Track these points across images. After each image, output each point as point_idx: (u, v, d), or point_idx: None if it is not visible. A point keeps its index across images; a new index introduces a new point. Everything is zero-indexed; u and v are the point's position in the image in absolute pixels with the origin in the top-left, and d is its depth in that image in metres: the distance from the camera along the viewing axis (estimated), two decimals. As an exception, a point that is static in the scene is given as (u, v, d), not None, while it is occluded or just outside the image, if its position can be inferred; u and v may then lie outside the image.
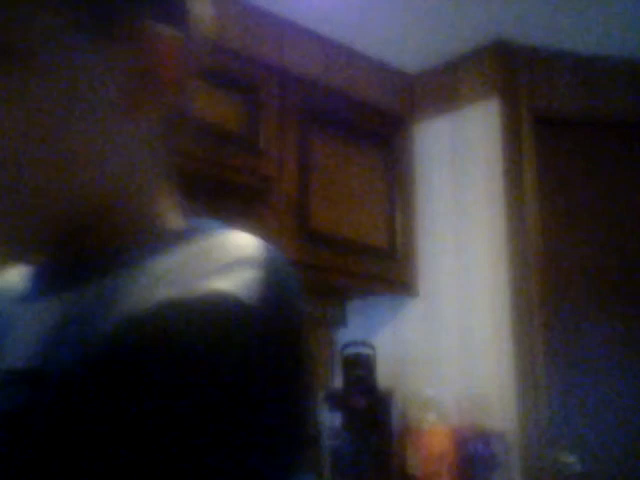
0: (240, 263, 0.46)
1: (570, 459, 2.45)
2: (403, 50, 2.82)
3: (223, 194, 2.52)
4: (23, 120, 0.48)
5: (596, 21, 2.60)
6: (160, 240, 0.52)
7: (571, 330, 2.60)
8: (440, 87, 2.88)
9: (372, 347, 2.64)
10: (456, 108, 2.81)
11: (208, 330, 0.42)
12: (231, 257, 0.47)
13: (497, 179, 2.65)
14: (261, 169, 2.44)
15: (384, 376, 2.62)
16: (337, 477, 2.47)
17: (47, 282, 0.56)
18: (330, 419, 2.51)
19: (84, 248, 0.54)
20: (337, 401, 2.54)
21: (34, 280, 0.58)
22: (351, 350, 2.64)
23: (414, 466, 2.55)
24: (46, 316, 0.53)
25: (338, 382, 2.71)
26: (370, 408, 2.54)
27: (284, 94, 2.53)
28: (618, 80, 2.79)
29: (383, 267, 2.74)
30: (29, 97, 0.48)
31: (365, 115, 2.79)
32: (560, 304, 2.60)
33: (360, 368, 2.59)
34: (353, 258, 2.64)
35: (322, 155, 2.61)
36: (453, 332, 2.67)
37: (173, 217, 0.57)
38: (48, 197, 0.50)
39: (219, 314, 0.43)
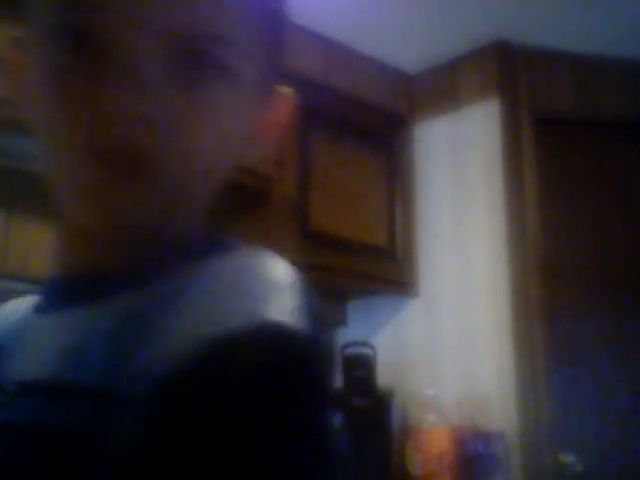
0: (279, 290, 0.48)
1: (570, 459, 2.45)
2: (403, 50, 2.82)
3: (223, 194, 2.51)
4: (212, 129, 0.53)
5: (596, 21, 2.60)
6: (192, 256, 0.53)
7: (571, 330, 2.60)
8: (440, 87, 2.88)
9: (372, 347, 2.64)
10: (456, 108, 2.81)
11: (271, 361, 0.44)
12: (269, 283, 0.49)
13: (497, 179, 2.65)
14: (261, 169, 2.44)
15: (384, 376, 2.62)
16: (337, 477, 2.46)
17: (67, 294, 0.56)
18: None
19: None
20: (337, 401, 2.54)
21: (50, 292, 0.58)
22: (351, 350, 2.64)
23: (414, 466, 2.55)
24: (72, 329, 0.53)
25: (338, 382, 2.71)
26: (370, 408, 2.54)
27: (284, 94, 2.53)
28: (618, 80, 2.79)
29: (383, 267, 2.74)
30: (220, 109, 0.53)
31: (365, 115, 2.79)
32: (560, 304, 2.60)
33: (360, 368, 2.59)
34: (353, 258, 2.64)
35: (322, 155, 2.61)
36: (453, 332, 2.67)
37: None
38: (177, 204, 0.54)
39: (278, 345, 0.45)
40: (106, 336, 0.49)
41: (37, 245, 2.08)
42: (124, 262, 0.54)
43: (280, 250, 0.56)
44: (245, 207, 2.52)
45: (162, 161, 0.50)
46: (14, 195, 2.06)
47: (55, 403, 0.48)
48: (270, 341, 0.44)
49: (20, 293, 0.66)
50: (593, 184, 2.75)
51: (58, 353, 0.51)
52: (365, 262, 2.68)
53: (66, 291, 0.56)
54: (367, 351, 2.63)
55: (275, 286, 0.48)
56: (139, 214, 0.51)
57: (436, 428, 2.54)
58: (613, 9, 2.52)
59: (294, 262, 0.59)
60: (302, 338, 0.46)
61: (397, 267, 2.77)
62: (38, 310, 0.58)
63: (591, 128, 2.77)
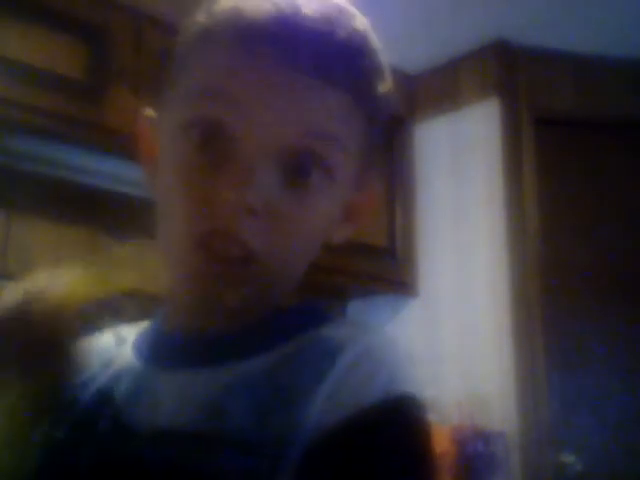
0: (403, 361, 0.57)
1: (570, 459, 2.45)
2: (403, 50, 2.81)
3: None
4: (311, 224, 0.59)
5: (596, 21, 2.60)
6: (297, 320, 0.61)
7: (571, 330, 2.60)
8: (440, 87, 2.88)
9: (372, 347, 2.64)
10: (456, 108, 2.81)
11: (417, 427, 0.57)
12: (390, 359, 0.57)
13: (497, 179, 2.65)
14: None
15: (384, 376, 2.62)
16: None
17: (192, 353, 0.61)
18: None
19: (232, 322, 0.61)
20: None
21: (168, 350, 0.63)
22: (351, 350, 2.64)
23: (414, 466, 2.54)
24: (208, 385, 0.57)
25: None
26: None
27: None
28: (618, 80, 2.79)
29: (383, 267, 2.73)
30: (320, 205, 0.59)
31: (365, 115, 2.78)
32: (560, 304, 2.60)
33: (360, 368, 2.58)
34: (353, 258, 2.63)
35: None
36: (453, 332, 2.67)
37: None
38: (275, 284, 0.60)
39: (415, 413, 0.56)
40: (245, 395, 0.55)
41: (37, 245, 2.08)
42: (228, 330, 0.60)
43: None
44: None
45: (260, 251, 0.56)
46: (14, 195, 2.06)
47: (202, 451, 0.53)
48: (410, 410, 0.55)
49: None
50: (593, 184, 2.75)
51: (197, 406, 0.56)
52: (365, 262, 2.68)
53: (181, 349, 0.62)
54: (367, 351, 2.63)
55: (399, 357, 0.57)
56: (233, 297, 0.57)
57: (436, 428, 2.54)
58: (613, 9, 2.52)
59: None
60: (425, 404, 0.56)
61: (397, 267, 2.77)
62: (151, 361, 0.63)
63: (591, 128, 2.76)
